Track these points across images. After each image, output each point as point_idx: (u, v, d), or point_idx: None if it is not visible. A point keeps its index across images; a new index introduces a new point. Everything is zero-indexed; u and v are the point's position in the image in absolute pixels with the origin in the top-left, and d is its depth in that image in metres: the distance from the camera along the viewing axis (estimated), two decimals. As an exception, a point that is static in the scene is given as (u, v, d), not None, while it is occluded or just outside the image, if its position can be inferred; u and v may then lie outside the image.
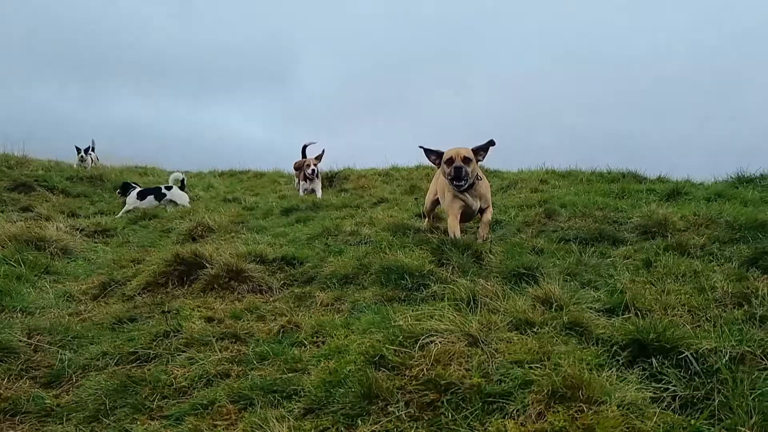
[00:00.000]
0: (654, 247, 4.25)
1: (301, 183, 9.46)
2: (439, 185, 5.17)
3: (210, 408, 2.30)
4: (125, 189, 8.89)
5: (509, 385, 2.14)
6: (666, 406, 2.02)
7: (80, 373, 2.85)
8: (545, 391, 2.02)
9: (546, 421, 1.91)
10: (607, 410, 1.89)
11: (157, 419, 2.32)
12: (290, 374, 2.51)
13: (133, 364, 2.87)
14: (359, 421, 2.06)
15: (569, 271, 3.74)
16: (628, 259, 4.08)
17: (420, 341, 2.48)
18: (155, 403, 2.44)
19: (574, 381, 2.01)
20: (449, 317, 2.68)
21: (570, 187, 7.56)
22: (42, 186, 9.67)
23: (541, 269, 3.65)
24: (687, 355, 2.27)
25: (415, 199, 7.70)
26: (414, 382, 2.21)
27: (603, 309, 3.02)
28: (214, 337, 3.02)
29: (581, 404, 1.92)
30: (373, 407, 2.11)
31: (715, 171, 7.78)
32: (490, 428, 1.94)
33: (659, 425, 1.87)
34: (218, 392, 2.40)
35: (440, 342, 2.46)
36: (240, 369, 2.66)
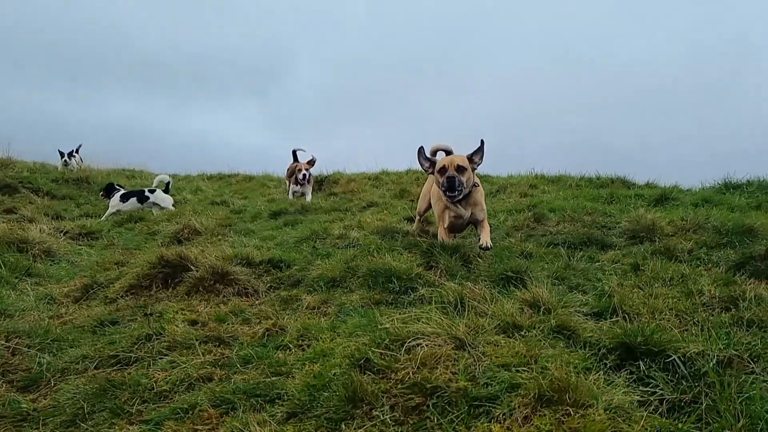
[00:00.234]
0: (642, 251, 4.26)
1: (292, 186, 9.44)
2: (432, 191, 4.96)
3: (191, 412, 2.25)
4: (109, 191, 8.78)
5: (496, 388, 2.11)
6: (653, 409, 2.00)
7: (59, 377, 2.78)
8: (532, 394, 1.99)
9: (532, 424, 1.88)
10: (594, 414, 1.86)
11: (137, 424, 2.26)
12: (274, 378, 2.47)
13: (114, 368, 2.80)
14: (343, 426, 2.02)
15: (558, 275, 3.73)
16: (616, 263, 4.08)
17: (406, 344, 2.44)
18: (135, 407, 2.37)
19: (561, 384, 1.99)
20: (436, 320, 2.64)
21: (559, 192, 7.58)
22: (27, 188, 9.55)
23: (529, 273, 3.63)
24: (674, 359, 2.25)
25: (412, 201, 7.68)
26: (399, 386, 2.17)
27: (591, 313, 3.01)
28: (197, 340, 2.96)
29: (568, 408, 1.90)
30: (358, 411, 2.07)
31: (703, 177, 7.84)
32: (475, 432, 1.91)
33: (646, 429, 1.85)
34: (200, 396, 2.35)
35: (427, 345, 2.42)
36: (223, 373, 2.61)
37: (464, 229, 4.79)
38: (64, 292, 4.15)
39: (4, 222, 6.34)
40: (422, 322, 2.66)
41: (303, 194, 9.30)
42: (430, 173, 4.68)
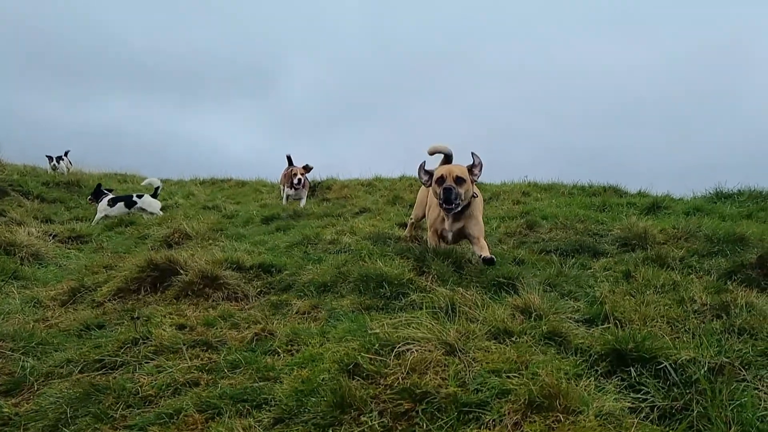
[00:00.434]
0: (634, 259, 4.26)
1: (286, 190, 9.34)
2: (429, 198, 4.63)
3: (176, 417, 2.21)
4: (97, 195, 8.68)
5: (486, 394, 2.08)
6: (644, 416, 1.99)
7: (42, 381, 2.73)
8: (522, 400, 1.97)
9: (522, 431, 1.85)
10: (584, 420, 1.84)
11: (120, 429, 2.22)
12: (261, 383, 2.43)
13: (99, 372, 2.75)
14: (330, 431, 1.99)
15: (550, 282, 3.71)
16: (608, 270, 4.08)
17: (396, 349, 2.42)
18: (119, 412, 2.33)
19: (551, 390, 1.97)
20: (427, 325, 2.62)
21: (552, 200, 7.59)
22: (17, 191, 9.47)
23: (521, 279, 3.61)
24: (666, 366, 2.24)
25: (404, 207, 7.66)
26: (389, 391, 2.15)
27: (582, 319, 3.00)
28: (184, 344, 2.91)
29: (558, 414, 1.88)
30: (346, 417, 2.04)
31: (694, 187, 7.89)
32: (465, 439, 1.88)
33: (637, 436, 1.83)
34: (185, 401, 2.31)
35: (417, 350, 2.40)
36: (210, 377, 2.57)
37: (458, 242, 4.49)
38: (50, 296, 4.09)
39: (-9, 224, 6.28)
40: (413, 327, 2.63)
41: (297, 199, 9.25)
42: (428, 185, 4.35)
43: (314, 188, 10.64)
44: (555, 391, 1.96)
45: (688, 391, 2.08)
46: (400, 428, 1.97)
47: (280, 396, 2.25)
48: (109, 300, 3.84)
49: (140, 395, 2.44)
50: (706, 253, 4.30)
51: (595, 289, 3.51)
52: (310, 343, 2.83)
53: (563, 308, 3.09)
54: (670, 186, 8.17)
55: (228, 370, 2.61)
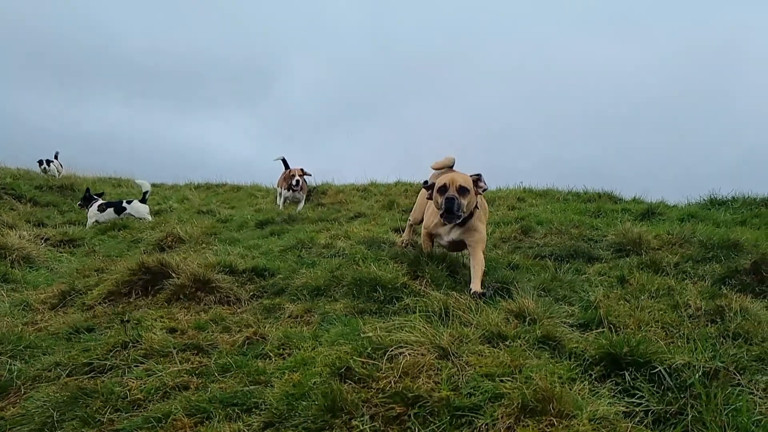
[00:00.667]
0: (628, 264, 4.25)
1: (284, 192, 9.16)
2: (429, 203, 4.30)
3: (164, 421, 2.18)
4: (87, 200, 8.55)
5: (479, 398, 2.06)
6: (639, 420, 1.96)
7: (30, 385, 2.70)
8: (515, 404, 1.95)
9: (515, 435, 1.83)
10: (578, 424, 1.82)
11: (107, 433, 2.18)
12: (252, 387, 2.39)
13: (87, 376, 2.71)
14: (321, 435, 1.96)
15: (544, 287, 3.70)
16: (602, 275, 4.07)
17: (388, 353, 2.39)
18: (106, 416, 2.29)
19: (545, 394, 1.94)
20: (420, 329, 2.59)
21: (546, 206, 7.58)
22: (9, 194, 9.40)
23: (515, 284, 3.60)
24: (660, 370, 2.22)
25: (400, 212, 7.63)
26: (380, 395, 2.12)
27: (577, 324, 2.98)
28: (175, 348, 2.88)
29: (552, 418, 1.85)
30: (337, 421, 2.01)
31: (688, 193, 7.91)
32: (457, 443, 1.85)
33: (632, 440, 1.81)
34: (174, 405, 2.27)
35: (409, 354, 2.37)
36: (200, 381, 2.53)
37: (456, 251, 4.32)
38: (40, 299, 4.05)
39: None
40: (405, 330, 2.61)
41: (295, 202, 9.12)
42: (430, 199, 4.12)
43: (309, 193, 10.60)
44: (549, 395, 1.94)
45: (682, 396, 2.06)
46: (391, 432, 1.94)
47: (270, 400, 2.22)
48: (100, 303, 3.80)
49: (129, 399, 2.40)
50: (701, 259, 4.30)
51: (590, 293, 3.49)
52: (302, 346, 2.80)
53: (557, 313, 3.08)
54: (664, 193, 8.20)
55: (218, 374, 2.58)
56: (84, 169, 13.32)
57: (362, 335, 2.63)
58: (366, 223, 6.83)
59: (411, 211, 5.10)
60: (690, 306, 3.14)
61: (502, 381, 2.15)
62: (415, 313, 3.02)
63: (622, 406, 2.02)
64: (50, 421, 2.30)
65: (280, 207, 9.04)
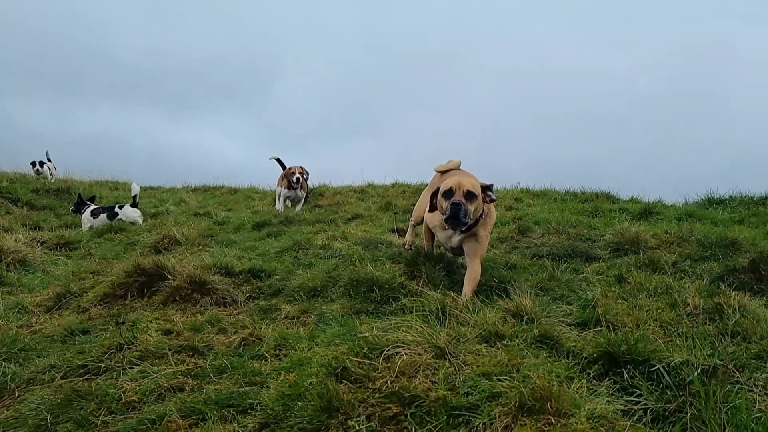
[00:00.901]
0: (626, 263, 4.25)
1: (284, 191, 8.89)
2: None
3: (158, 423, 2.15)
4: (79, 206, 8.47)
5: (476, 397, 2.04)
6: (637, 419, 1.95)
7: (24, 387, 2.66)
8: (513, 403, 1.93)
9: (513, 434, 1.81)
10: (576, 423, 1.80)
11: (101, 435, 2.16)
12: (248, 388, 2.37)
13: (82, 378, 2.68)
14: (317, 436, 1.94)
15: (542, 286, 3.69)
16: (600, 274, 4.06)
17: (385, 353, 2.37)
18: (101, 418, 2.27)
19: (543, 393, 1.92)
20: (417, 328, 2.58)
21: (544, 206, 7.58)
22: (5, 198, 9.37)
23: (513, 283, 3.58)
24: (659, 368, 2.21)
25: (396, 213, 7.61)
26: (377, 395, 2.10)
27: (575, 323, 2.97)
28: (170, 350, 2.85)
29: (550, 417, 1.83)
30: (333, 421, 1.99)
31: (684, 193, 7.92)
32: (454, 443, 1.84)
33: (630, 438, 1.79)
34: (169, 407, 2.24)
35: (406, 353, 2.35)
36: (195, 383, 2.51)
37: (456, 255, 4.19)
38: (35, 302, 4.02)
39: (-22, 231, 6.19)
40: (402, 330, 2.59)
41: (295, 201, 8.90)
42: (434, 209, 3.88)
43: (306, 195, 10.56)
44: (546, 394, 1.92)
45: (681, 394, 2.05)
46: (388, 432, 1.92)
47: (266, 401, 2.20)
48: (95, 305, 3.77)
49: (123, 401, 2.38)
50: (699, 258, 4.30)
51: (588, 292, 3.47)
52: (298, 347, 2.78)
53: (555, 312, 3.06)
54: (661, 193, 8.20)
55: (214, 375, 2.56)
56: (81, 173, 13.29)
57: (359, 335, 2.61)
58: (363, 224, 6.82)
59: (410, 211, 5.02)
60: (688, 304, 3.13)
61: (499, 380, 2.13)
62: (412, 312, 3.00)
63: (621, 405, 2.00)
64: (44, 424, 2.27)
65: (280, 209, 8.72)
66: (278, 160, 9.44)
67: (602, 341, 2.44)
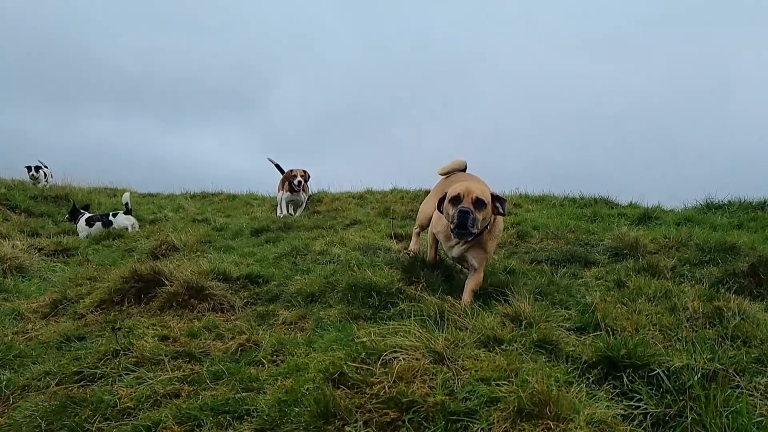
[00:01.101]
0: (625, 268, 4.23)
1: (285, 195, 8.77)
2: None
3: (154, 430, 2.14)
4: (74, 214, 8.41)
5: (475, 402, 2.02)
6: (637, 423, 1.93)
7: (18, 394, 2.65)
8: (512, 408, 1.91)
9: (512, 439, 1.79)
10: (575, 428, 1.79)
11: (95, 442, 2.13)
12: (244, 394, 2.36)
13: (77, 384, 2.66)
14: (313, 442, 1.92)
15: (540, 291, 3.66)
16: (599, 279, 4.05)
17: (383, 358, 2.35)
18: (95, 425, 2.25)
19: (541, 398, 1.91)
20: (415, 334, 2.56)
21: (543, 211, 7.57)
22: (3, 204, 9.33)
23: (512, 288, 3.56)
24: (659, 372, 2.19)
25: (394, 219, 7.58)
26: (374, 401, 2.08)
27: (574, 327, 2.95)
28: (166, 356, 2.83)
29: (549, 422, 1.82)
30: (330, 427, 1.97)
31: (680, 197, 7.92)
32: (453, 448, 1.82)
33: (630, 443, 1.77)
34: (164, 413, 2.23)
35: (404, 359, 2.34)
36: (191, 389, 2.49)
37: (459, 264, 4.04)
38: (32, 308, 4.00)
39: (-25, 237, 6.17)
40: (400, 335, 2.57)
41: (297, 204, 8.83)
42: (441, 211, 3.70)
43: (308, 198, 10.52)
44: (545, 399, 1.90)
45: (681, 398, 2.03)
46: (385, 438, 1.90)
47: (262, 407, 2.18)
48: (92, 312, 3.75)
49: (118, 407, 2.36)
50: (698, 262, 4.29)
51: (587, 297, 3.46)
52: (295, 353, 2.76)
53: (554, 316, 3.04)
54: (660, 197, 8.18)
55: (210, 381, 2.54)
56: (79, 180, 13.25)
57: (356, 340, 2.60)
58: (362, 229, 6.79)
59: (409, 217, 4.95)
60: (688, 308, 3.11)
61: (498, 385, 2.11)
62: (410, 317, 2.98)
63: (620, 409, 1.99)
64: (38, 431, 2.25)
65: (282, 215, 8.55)
66: (276, 165, 9.38)
67: (601, 345, 2.42)
